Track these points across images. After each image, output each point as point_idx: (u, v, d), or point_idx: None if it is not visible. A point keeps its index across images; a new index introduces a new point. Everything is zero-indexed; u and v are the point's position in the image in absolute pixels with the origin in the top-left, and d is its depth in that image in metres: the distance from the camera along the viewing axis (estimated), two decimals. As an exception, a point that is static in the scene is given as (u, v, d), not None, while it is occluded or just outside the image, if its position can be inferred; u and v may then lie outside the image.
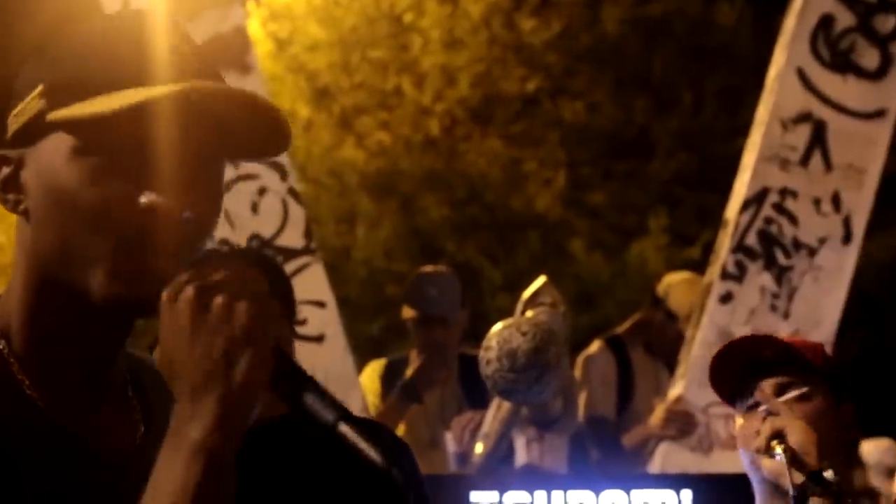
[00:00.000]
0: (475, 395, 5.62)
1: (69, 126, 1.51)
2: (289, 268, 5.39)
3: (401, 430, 5.71)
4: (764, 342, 2.93)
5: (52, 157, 1.53)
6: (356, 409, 5.50)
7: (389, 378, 5.84)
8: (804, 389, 2.85)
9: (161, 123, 1.51)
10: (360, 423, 1.40)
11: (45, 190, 1.54)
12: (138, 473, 1.46)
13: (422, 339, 5.79)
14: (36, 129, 1.55)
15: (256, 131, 1.56)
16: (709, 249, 6.39)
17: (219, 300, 1.40)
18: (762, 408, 2.84)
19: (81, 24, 1.60)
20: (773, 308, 5.74)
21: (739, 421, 2.97)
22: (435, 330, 5.76)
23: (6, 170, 1.58)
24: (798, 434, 2.72)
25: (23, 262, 1.57)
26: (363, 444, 1.40)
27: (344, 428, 1.41)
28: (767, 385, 2.87)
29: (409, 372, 5.64)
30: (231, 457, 1.41)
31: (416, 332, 5.83)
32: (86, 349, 1.58)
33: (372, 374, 5.92)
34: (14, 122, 1.57)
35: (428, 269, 6.21)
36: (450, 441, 5.21)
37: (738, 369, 2.95)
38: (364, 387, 5.79)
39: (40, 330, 1.57)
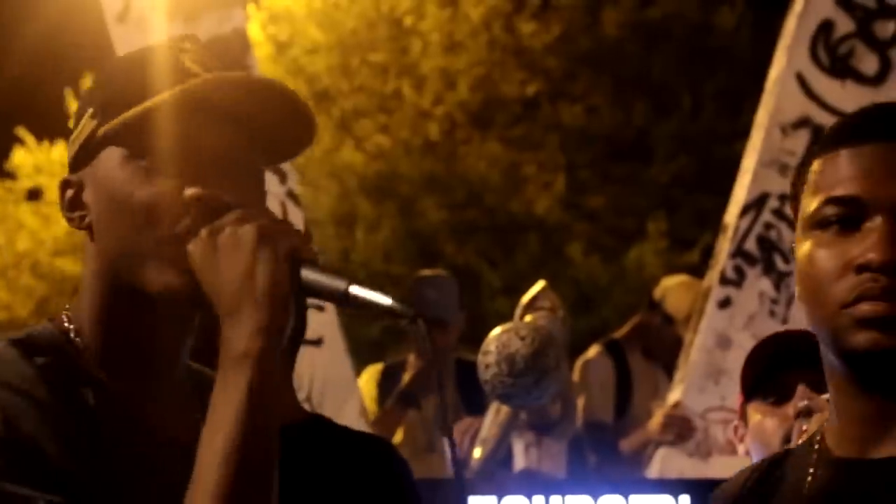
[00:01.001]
0: (472, 400, 5.62)
1: (118, 136, 1.68)
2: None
3: (398, 435, 5.71)
4: (801, 336, 2.89)
5: (107, 168, 1.70)
6: (355, 413, 5.51)
7: (386, 382, 5.85)
8: None
9: (196, 118, 1.66)
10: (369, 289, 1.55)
11: (103, 199, 1.70)
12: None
13: (419, 341, 5.80)
14: (91, 148, 1.71)
15: (284, 121, 1.71)
16: (708, 253, 6.39)
17: (226, 231, 1.58)
18: (802, 403, 2.73)
19: (122, 56, 1.80)
20: (772, 313, 5.74)
21: (757, 416, 2.92)
22: (433, 332, 5.76)
23: (69, 192, 1.75)
24: None
25: (90, 270, 1.74)
26: (377, 298, 1.55)
27: (355, 289, 1.55)
28: (806, 381, 2.77)
29: (406, 378, 5.64)
30: (273, 362, 1.55)
31: (414, 335, 5.83)
32: (151, 344, 1.72)
33: (369, 378, 5.93)
34: (72, 148, 1.75)
35: (426, 272, 6.22)
36: (447, 449, 5.21)
37: (767, 362, 2.89)
38: (362, 391, 5.79)
39: (108, 327, 1.72)
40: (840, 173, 1.68)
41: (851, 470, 1.71)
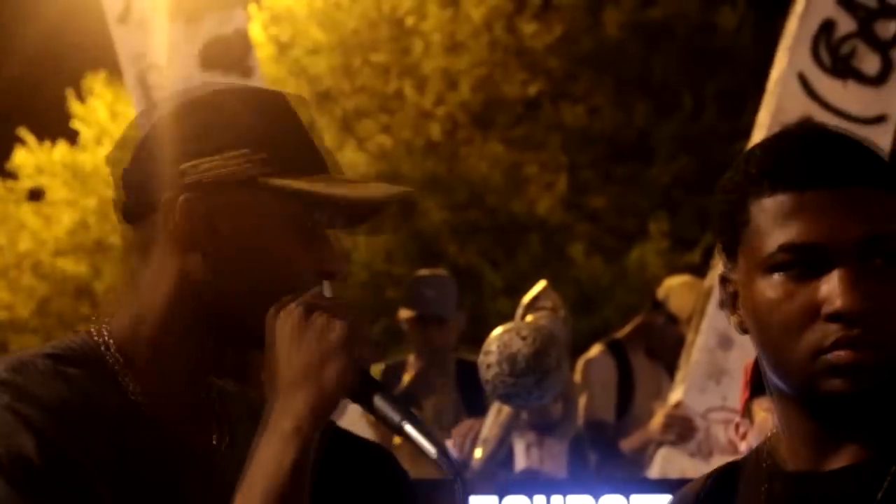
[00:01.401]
0: (473, 400, 5.62)
1: (276, 194, 1.74)
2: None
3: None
4: None
5: (259, 218, 1.75)
6: (356, 413, 5.49)
7: (387, 383, 5.84)
8: None
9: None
10: (423, 429, 1.67)
11: (243, 243, 1.75)
12: (224, 474, 1.72)
13: (418, 339, 5.81)
14: (241, 188, 1.74)
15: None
16: (709, 253, 6.39)
17: (321, 316, 1.66)
18: None
19: (266, 96, 1.83)
20: (773, 313, 5.74)
21: (762, 413, 2.92)
22: (431, 330, 5.78)
23: (193, 211, 1.74)
24: None
25: (170, 288, 1.76)
26: (425, 442, 1.65)
27: (408, 427, 1.66)
28: None
29: (406, 378, 5.64)
30: (316, 445, 1.65)
31: (413, 333, 5.85)
32: (202, 368, 1.80)
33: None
34: (202, 168, 1.74)
35: (424, 272, 6.22)
36: (450, 448, 5.21)
37: None
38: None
39: (170, 348, 1.77)
40: (795, 218, 1.66)
41: (806, 483, 1.72)
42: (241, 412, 1.84)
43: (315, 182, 1.76)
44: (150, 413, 1.74)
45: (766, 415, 2.89)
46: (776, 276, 1.67)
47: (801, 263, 1.66)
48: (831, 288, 1.64)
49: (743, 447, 3.05)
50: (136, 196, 1.78)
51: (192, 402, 1.80)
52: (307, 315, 1.67)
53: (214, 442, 1.80)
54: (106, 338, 1.77)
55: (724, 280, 1.79)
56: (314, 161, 1.79)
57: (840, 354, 1.64)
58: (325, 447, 1.74)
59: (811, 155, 1.69)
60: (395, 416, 1.67)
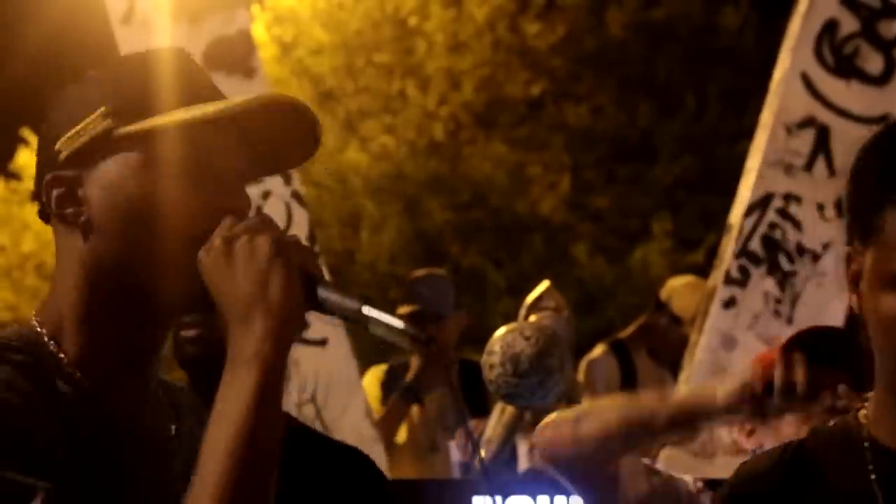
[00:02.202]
0: (476, 400, 5.62)
1: (140, 141, 1.68)
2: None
3: (401, 435, 5.71)
4: (828, 335, 2.87)
5: (123, 170, 1.69)
6: (359, 413, 5.51)
7: (390, 383, 5.85)
8: None
9: (220, 138, 1.71)
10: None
11: (115, 203, 1.69)
12: (177, 460, 1.71)
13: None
14: (99, 148, 1.70)
15: (293, 136, 1.76)
16: (712, 253, 6.39)
17: (241, 240, 1.62)
18: (842, 402, 2.68)
19: (127, 57, 1.79)
20: (777, 313, 5.73)
21: (788, 430, 2.90)
22: (428, 328, 5.79)
23: (58, 190, 1.72)
24: None
25: (75, 270, 1.73)
26: (389, 319, 1.60)
27: (368, 310, 1.61)
28: (829, 379, 2.72)
29: (409, 375, 5.64)
30: (281, 367, 1.60)
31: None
32: (135, 345, 1.73)
33: (372, 379, 5.93)
34: (70, 143, 1.71)
35: (420, 272, 6.22)
36: (454, 450, 5.21)
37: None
38: (366, 392, 5.80)
39: (94, 330, 1.71)
40: None
41: None
42: (190, 405, 1.82)
43: (174, 114, 1.68)
44: (98, 397, 1.70)
45: (791, 429, 2.87)
46: None
47: None
48: None
49: (749, 445, 3.02)
50: (36, 191, 1.77)
51: (136, 389, 1.74)
52: (228, 245, 1.63)
53: (173, 432, 1.77)
54: (39, 328, 1.74)
55: (849, 258, 1.86)
56: (173, 99, 1.71)
57: None
58: (301, 450, 1.74)
59: None
60: (352, 304, 1.62)
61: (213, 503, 1.54)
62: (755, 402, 2.54)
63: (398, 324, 1.60)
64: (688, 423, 2.68)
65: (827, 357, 2.79)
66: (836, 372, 2.71)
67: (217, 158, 1.71)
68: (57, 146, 1.71)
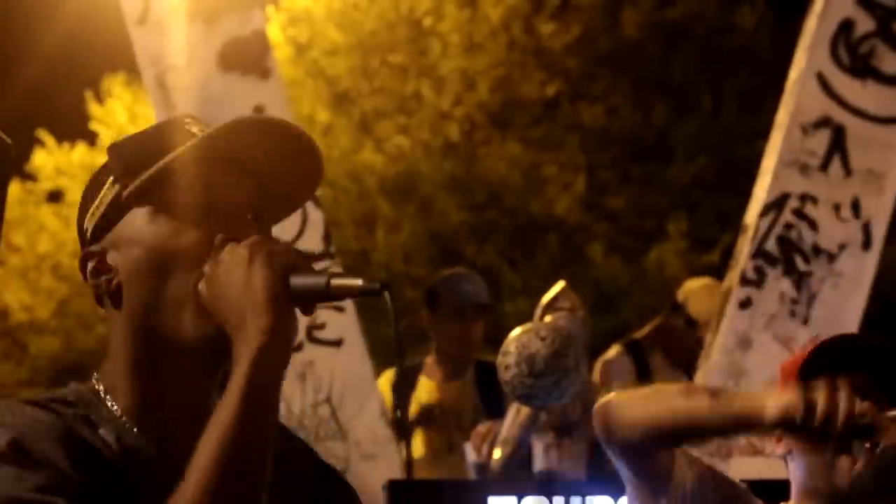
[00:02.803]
0: (492, 401, 5.62)
1: (143, 195, 1.77)
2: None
3: (419, 437, 5.71)
4: (861, 340, 2.84)
5: (135, 227, 1.78)
6: (375, 413, 5.51)
7: (401, 385, 5.87)
8: None
9: (213, 169, 1.77)
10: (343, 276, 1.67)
11: (132, 257, 1.78)
12: None
13: (458, 332, 5.81)
14: (115, 213, 1.80)
15: (293, 163, 1.81)
16: (728, 254, 6.37)
17: (224, 259, 1.68)
18: (893, 413, 2.65)
19: (133, 133, 1.90)
20: (793, 314, 5.72)
21: None
22: (476, 322, 5.82)
23: (91, 263, 1.82)
24: None
25: (119, 329, 1.80)
26: (350, 282, 1.67)
27: (335, 282, 1.67)
28: (859, 384, 2.63)
29: (431, 384, 5.66)
30: (278, 363, 1.64)
31: (450, 326, 5.84)
32: (182, 397, 1.79)
33: (384, 382, 5.93)
34: (92, 219, 1.83)
35: (450, 270, 6.23)
36: (469, 452, 5.21)
37: (827, 363, 2.82)
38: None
39: (142, 382, 1.79)
40: None
41: None
42: None
43: (163, 159, 1.76)
44: (153, 450, 1.76)
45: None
46: None
47: None
48: None
49: (779, 450, 2.95)
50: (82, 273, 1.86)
51: (195, 433, 1.75)
52: (214, 267, 1.70)
53: None
54: (97, 385, 1.81)
55: None
56: (168, 147, 1.78)
57: None
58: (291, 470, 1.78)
59: None
60: (318, 282, 1.67)
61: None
62: (801, 427, 2.54)
63: (356, 282, 1.67)
64: (733, 432, 2.70)
65: (848, 363, 2.78)
66: (857, 375, 2.70)
67: (217, 195, 1.77)
68: (84, 225, 1.84)
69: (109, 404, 1.78)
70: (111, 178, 1.81)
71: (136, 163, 1.78)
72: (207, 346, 1.75)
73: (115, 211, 1.80)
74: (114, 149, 1.84)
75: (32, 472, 1.62)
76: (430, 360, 5.93)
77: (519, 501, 4.54)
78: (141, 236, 1.77)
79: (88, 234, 1.83)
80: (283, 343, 1.65)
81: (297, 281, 1.67)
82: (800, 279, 5.74)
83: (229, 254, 1.69)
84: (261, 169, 1.81)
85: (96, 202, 1.82)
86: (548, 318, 5.05)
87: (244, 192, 1.79)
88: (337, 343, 5.56)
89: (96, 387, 1.81)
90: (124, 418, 1.77)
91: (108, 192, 1.81)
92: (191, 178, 1.76)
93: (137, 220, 1.78)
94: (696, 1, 15.09)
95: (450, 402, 5.80)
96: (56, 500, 1.60)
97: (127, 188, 1.78)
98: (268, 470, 1.63)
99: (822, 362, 2.81)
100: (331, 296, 1.69)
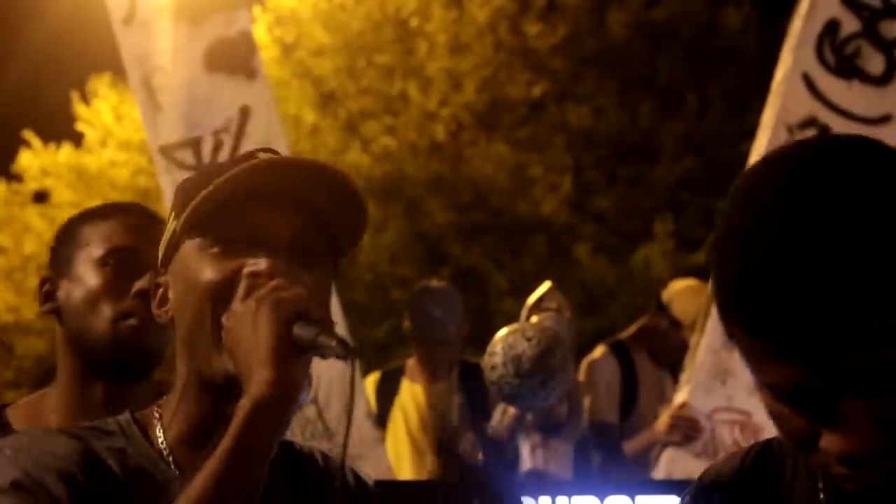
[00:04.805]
0: (477, 402, 5.62)
1: (192, 227, 1.78)
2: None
3: (405, 438, 5.71)
4: None
5: (185, 260, 1.81)
6: (360, 414, 5.51)
7: (384, 388, 5.87)
8: None
9: (256, 202, 1.77)
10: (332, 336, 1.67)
11: (179, 289, 1.81)
12: None
13: (424, 354, 5.84)
14: (173, 245, 1.84)
15: (338, 204, 1.83)
16: (714, 254, 6.37)
17: (238, 305, 1.69)
18: None
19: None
20: (779, 314, 5.73)
21: None
22: (437, 349, 5.81)
23: (159, 292, 1.86)
24: None
25: (178, 361, 1.83)
26: (329, 342, 1.66)
27: (320, 339, 1.66)
28: None
29: (413, 390, 5.65)
30: (278, 414, 1.63)
31: (418, 348, 5.87)
32: (218, 431, 1.74)
33: (367, 385, 5.92)
34: (161, 252, 1.87)
35: (431, 284, 6.19)
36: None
37: None
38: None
39: (186, 415, 1.81)
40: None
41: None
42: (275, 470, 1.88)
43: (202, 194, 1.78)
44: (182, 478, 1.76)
45: None
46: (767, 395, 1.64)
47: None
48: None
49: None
50: None
51: None
52: (232, 318, 1.70)
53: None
54: (156, 420, 1.84)
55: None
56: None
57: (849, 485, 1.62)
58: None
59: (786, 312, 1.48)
60: (308, 334, 1.66)
61: None
62: None
63: (330, 342, 1.66)
64: None
65: None
66: None
67: (255, 228, 1.76)
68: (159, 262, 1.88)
69: (158, 433, 1.81)
70: (174, 213, 1.84)
71: (189, 199, 1.78)
72: (231, 387, 1.74)
73: (174, 247, 1.83)
74: (181, 183, 1.88)
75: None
76: (411, 362, 5.93)
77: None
78: (187, 271, 1.79)
79: (160, 262, 1.87)
80: (283, 396, 1.64)
81: (299, 332, 1.66)
82: (786, 279, 5.75)
83: (240, 304, 1.68)
84: (306, 199, 1.80)
85: (164, 236, 1.86)
86: (534, 319, 5.05)
87: (283, 227, 1.78)
88: (323, 344, 5.55)
89: (154, 414, 1.84)
90: (167, 451, 1.79)
91: (170, 226, 1.84)
92: (231, 208, 1.76)
93: (188, 253, 1.80)
94: (682, 2, 15.12)
95: (434, 403, 5.79)
96: None
97: (181, 220, 1.79)
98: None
99: None
100: (311, 347, 1.68)
